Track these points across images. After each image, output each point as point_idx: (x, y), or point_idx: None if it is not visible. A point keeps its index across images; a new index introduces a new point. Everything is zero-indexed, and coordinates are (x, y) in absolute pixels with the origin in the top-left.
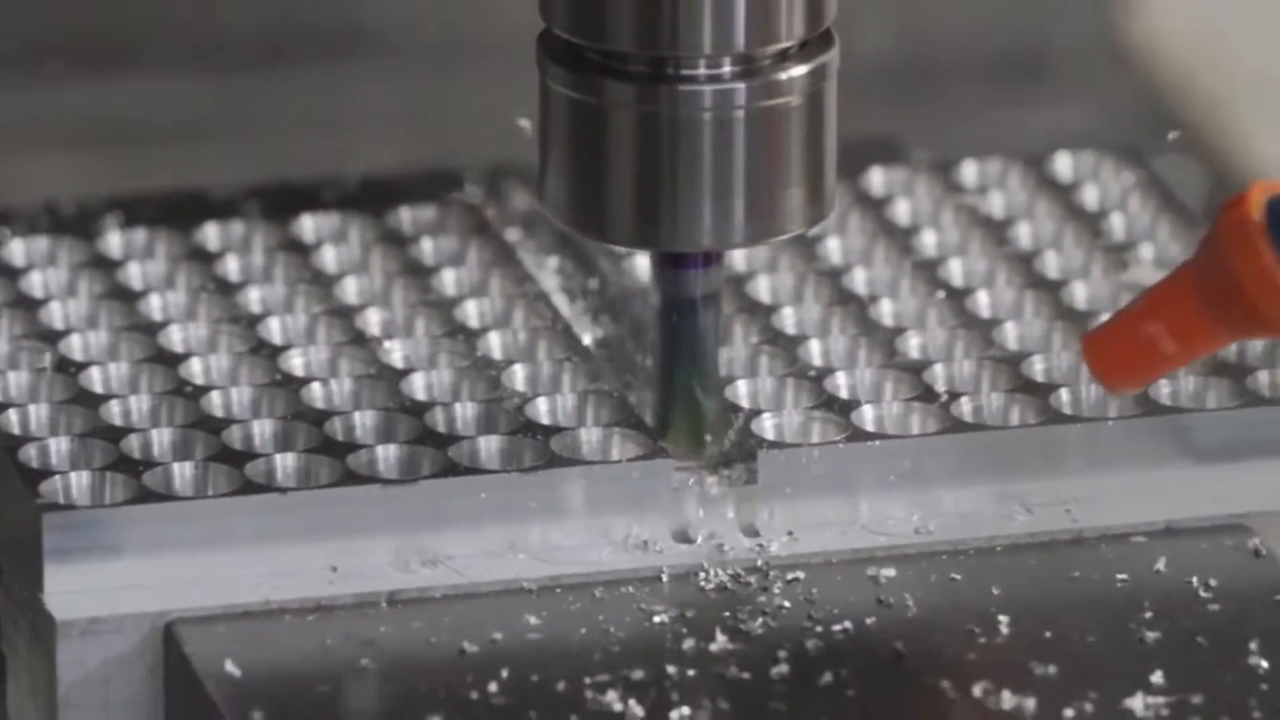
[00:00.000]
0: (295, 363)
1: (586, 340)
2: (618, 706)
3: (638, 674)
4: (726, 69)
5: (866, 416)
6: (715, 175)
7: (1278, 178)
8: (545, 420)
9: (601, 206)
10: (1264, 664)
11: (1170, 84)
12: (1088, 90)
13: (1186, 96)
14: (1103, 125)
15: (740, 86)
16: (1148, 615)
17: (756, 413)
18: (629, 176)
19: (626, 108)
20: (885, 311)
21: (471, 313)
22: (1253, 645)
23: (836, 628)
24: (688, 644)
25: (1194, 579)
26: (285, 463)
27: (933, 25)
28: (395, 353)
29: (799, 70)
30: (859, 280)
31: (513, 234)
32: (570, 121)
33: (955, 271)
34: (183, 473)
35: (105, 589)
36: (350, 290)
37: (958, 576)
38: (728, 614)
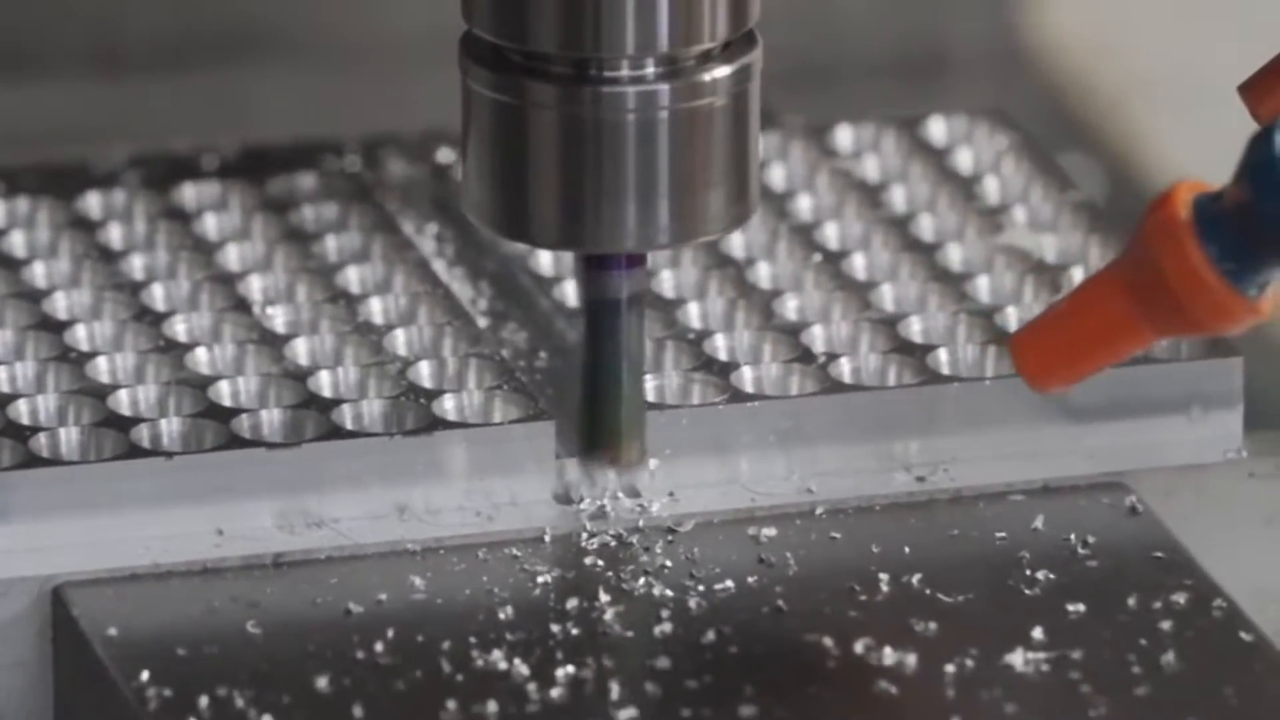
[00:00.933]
0: (178, 329)
1: (466, 304)
2: (503, 666)
3: (522, 634)
4: (650, 70)
5: (746, 378)
6: (639, 177)
7: (1177, 176)
8: (427, 384)
9: (525, 209)
10: (1142, 620)
11: (1069, 84)
12: (986, 90)
13: (1086, 96)
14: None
15: (664, 88)
16: (1027, 572)
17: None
18: (552, 179)
19: (549, 109)
20: (762, 274)
21: (353, 279)
22: (1130, 601)
23: (718, 586)
24: (571, 603)
25: (1072, 536)
26: (170, 427)
27: (831, 24)
28: (277, 318)
29: (723, 71)
30: (735, 244)
31: (393, 203)
32: (493, 123)
33: (831, 235)
34: (68, 437)
35: None
36: (232, 257)
37: (838, 535)
38: (610, 574)
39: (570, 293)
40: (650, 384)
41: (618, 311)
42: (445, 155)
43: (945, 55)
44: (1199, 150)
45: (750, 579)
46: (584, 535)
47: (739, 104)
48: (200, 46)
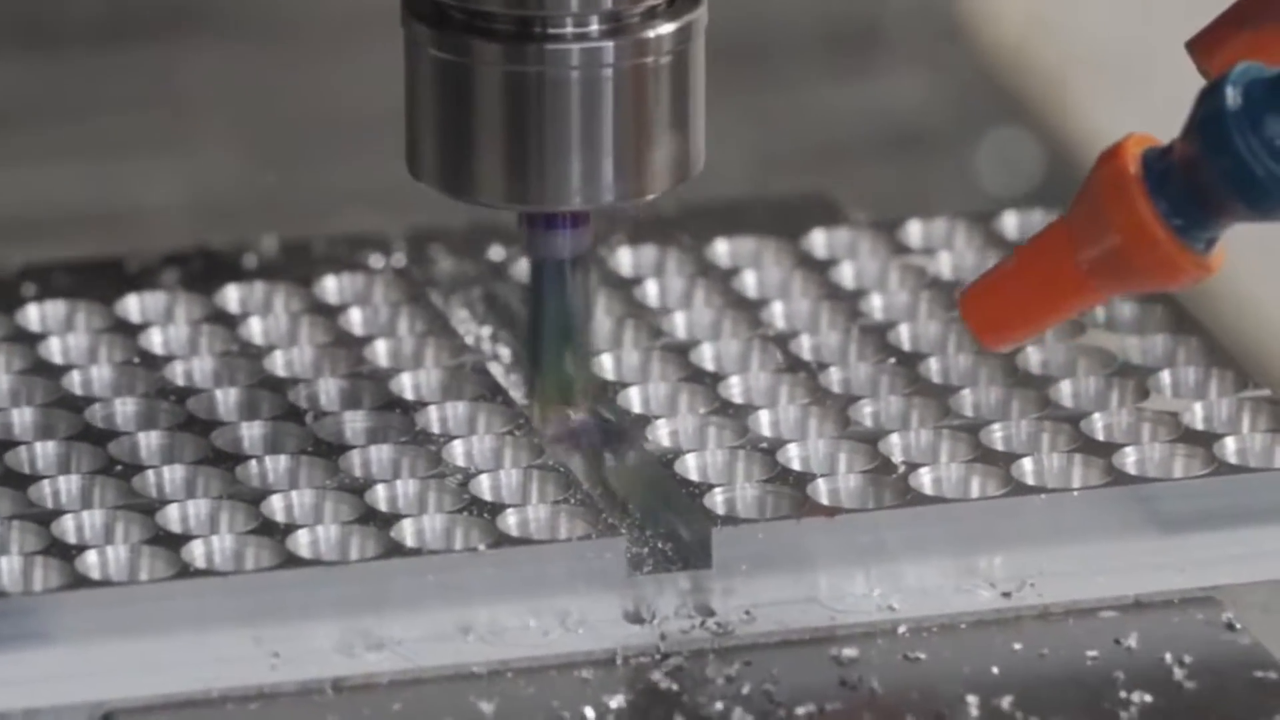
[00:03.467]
0: (228, 439)
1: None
2: None
3: None
4: (594, 27)
5: (822, 490)
6: (583, 134)
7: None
8: (489, 497)
9: (471, 168)
10: None
11: (1004, 59)
12: (920, 65)
13: (1021, 71)
14: (937, 100)
15: (608, 45)
16: (1121, 694)
17: (708, 487)
18: (498, 137)
19: (494, 67)
20: (835, 379)
21: (408, 385)
22: None
23: (799, 710)
24: None
25: (1167, 655)
26: (222, 544)
27: (767, 4)
28: (331, 427)
29: (667, 28)
30: (805, 346)
31: (443, 301)
32: (438, 83)
33: (905, 336)
34: (116, 556)
35: (40, 678)
36: (279, 363)
37: (922, 655)
38: (686, 698)
39: (634, 398)
40: (721, 496)
41: (563, 270)
42: (497, 252)
43: (878, 29)
44: (1137, 122)
45: (832, 703)
46: (657, 655)
47: (682, 61)
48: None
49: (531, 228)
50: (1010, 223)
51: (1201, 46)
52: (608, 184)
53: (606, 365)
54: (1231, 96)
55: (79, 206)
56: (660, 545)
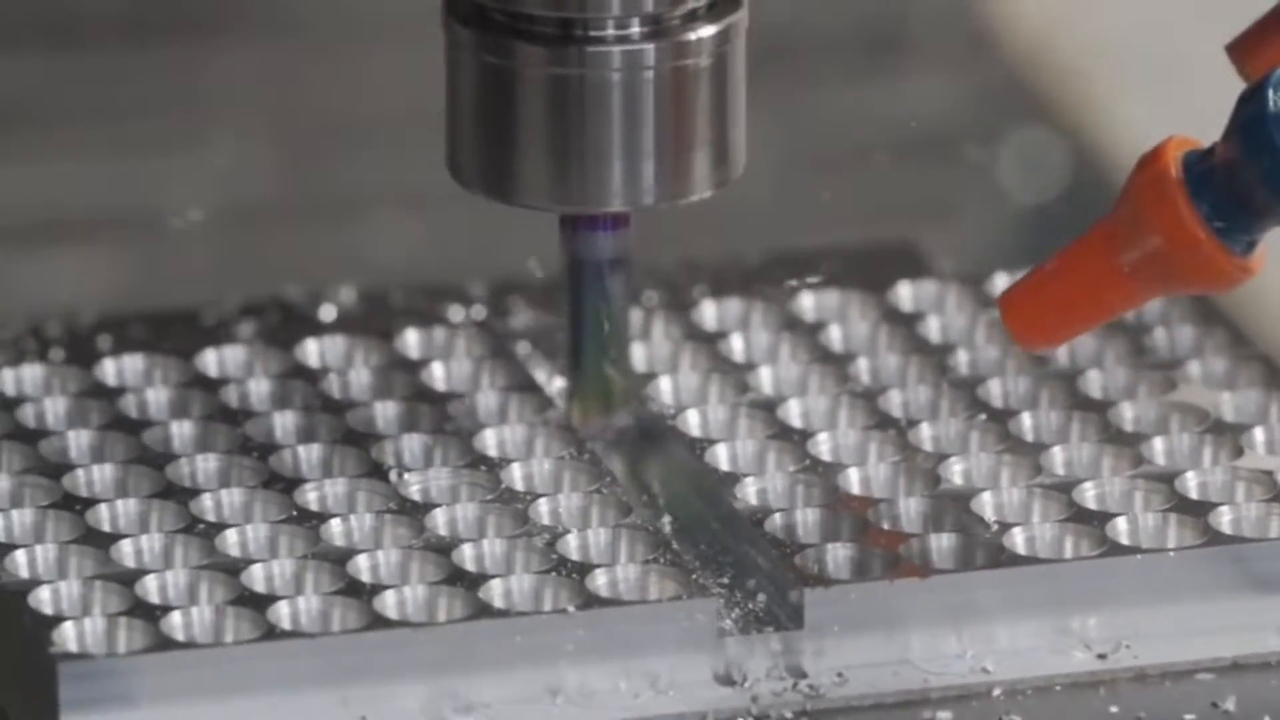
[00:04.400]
0: (310, 497)
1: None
2: None
3: None
4: (635, 30)
5: (914, 549)
6: (624, 136)
7: (1138, 146)
8: (577, 557)
9: (511, 170)
10: None
11: (1028, 59)
12: (945, 65)
13: (1044, 70)
14: (963, 103)
15: (649, 47)
16: None
17: (800, 547)
18: (539, 139)
19: (536, 69)
20: (925, 436)
21: (492, 442)
22: None
23: None
24: None
25: (1266, 718)
26: (308, 605)
27: (792, 8)
28: (415, 485)
29: (707, 31)
30: (895, 403)
31: (526, 355)
32: (479, 85)
33: (995, 392)
34: (200, 617)
35: None
36: (362, 419)
37: (1017, 718)
38: None
39: (722, 454)
40: (814, 556)
41: (602, 272)
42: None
43: (904, 30)
44: (1160, 121)
45: None
46: (749, 718)
47: (723, 64)
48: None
49: (572, 229)
50: None
51: (1241, 50)
52: (648, 186)
53: (693, 421)
54: (1273, 100)
55: (101, 206)
56: (751, 605)
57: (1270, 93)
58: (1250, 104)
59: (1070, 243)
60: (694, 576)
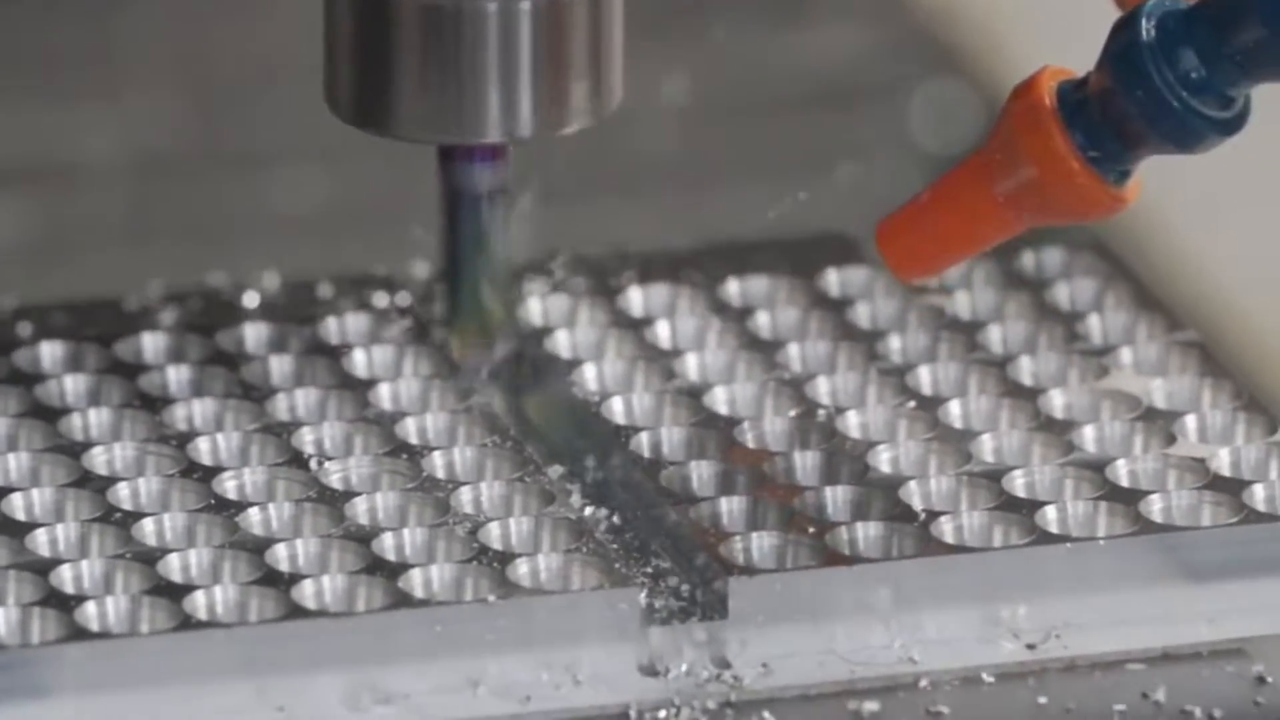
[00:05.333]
0: (229, 486)
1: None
2: None
3: None
4: None
5: (842, 539)
6: (501, 67)
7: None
8: (499, 546)
9: (388, 102)
10: None
11: (937, 10)
12: (853, 19)
13: (954, 20)
14: (871, 56)
15: None
16: None
17: (725, 536)
18: (415, 70)
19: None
20: (853, 424)
21: (413, 430)
22: None
23: None
24: None
25: (1196, 709)
26: (225, 595)
27: None
28: (335, 474)
29: None
30: (823, 390)
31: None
32: (355, 16)
33: (924, 380)
34: (116, 607)
35: None
36: (283, 407)
37: (945, 709)
38: None
39: (645, 442)
40: (738, 545)
41: (479, 204)
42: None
43: None
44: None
45: None
46: (672, 710)
47: None
48: None
49: (449, 161)
50: (1030, 261)
51: None
52: (525, 117)
53: (617, 409)
54: (1145, 29)
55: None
56: (676, 596)
57: (1143, 22)
58: (1123, 33)
59: (945, 173)
60: (617, 566)
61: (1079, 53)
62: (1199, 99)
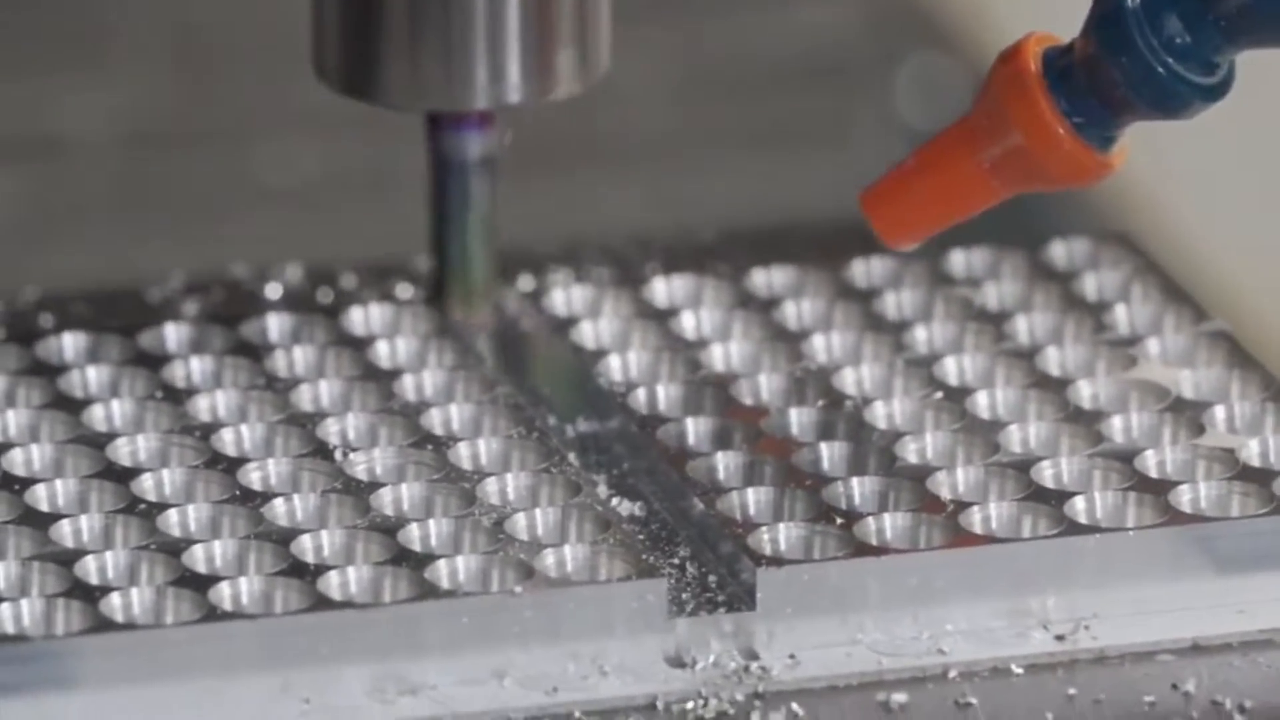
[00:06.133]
0: (253, 478)
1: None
2: None
3: None
4: None
5: (870, 529)
6: (489, 35)
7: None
8: (525, 537)
9: (375, 70)
10: None
11: None
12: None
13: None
14: (857, 29)
15: None
16: None
17: (752, 527)
18: (401, 37)
19: None
20: (880, 414)
21: (438, 421)
22: None
23: None
24: None
25: (1227, 700)
26: (250, 586)
27: None
28: (360, 465)
29: None
30: (849, 381)
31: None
32: None
33: (951, 370)
34: (141, 598)
35: None
36: (307, 398)
37: (974, 700)
38: None
39: (672, 432)
40: (765, 536)
41: (467, 172)
42: (526, 282)
43: None
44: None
45: None
46: (700, 701)
47: None
48: None
49: (438, 129)
50: (1059, 252)
51: None
52: (513, 83)
53: (640, 399)
54: None
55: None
56: (703, 587)
57: None
58: (1107, 1)
59: (932, 139)
60: (644, 557)
61: (1066, 21)
62: (1183, 65)
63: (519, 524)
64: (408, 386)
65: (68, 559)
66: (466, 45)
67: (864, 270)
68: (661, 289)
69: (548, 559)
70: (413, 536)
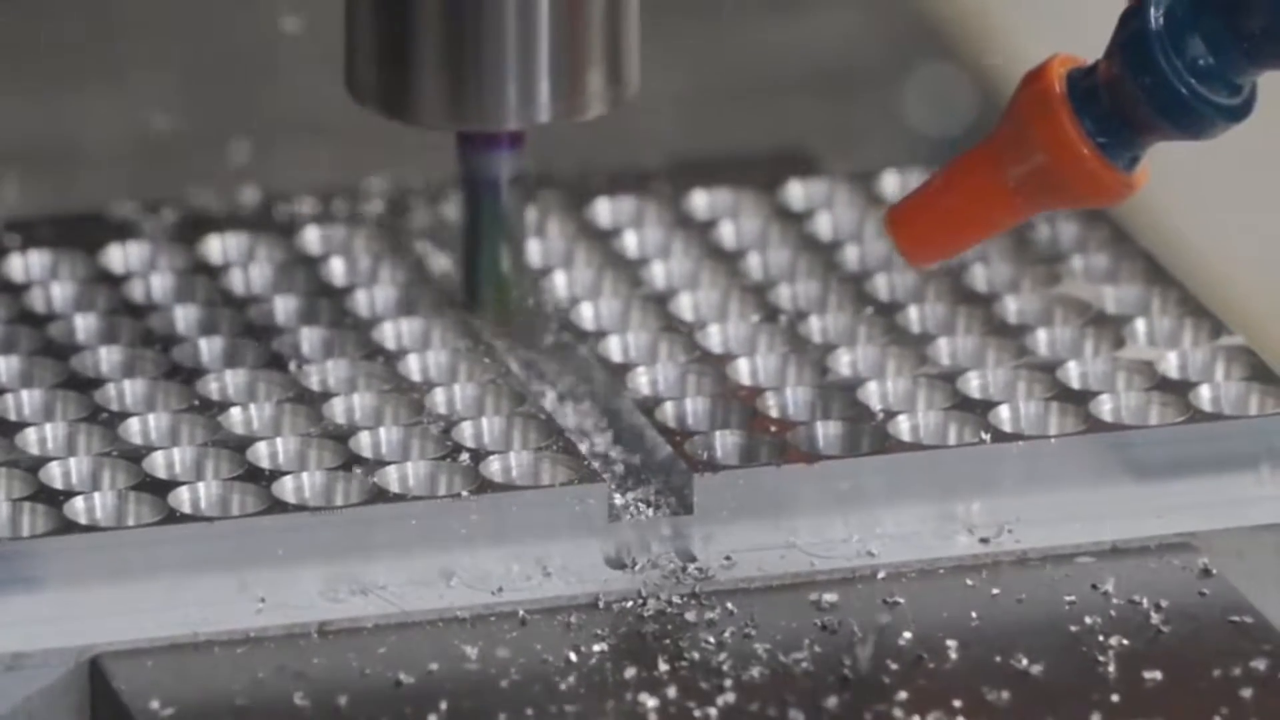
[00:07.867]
0: (212, 388)
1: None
2: None
3: (580, 706)
4: None
5: (801, 436)
6: (520, 53)
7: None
8: (472, 444)
9: (409, 89)
10: (1222, 688)
11: None
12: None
13: (947, 5)
14: (866, 32)
15: None
16: (1099, 638)
17: (690, 434)
18: (434, 56)
19: None
20: (814, 329)
21: (390, 334)
22: (1208, 669)
23: (781, 656)
24: (629, 673)
25: (1144, 600)
26: (208, 491)
27: None
28: (314, 376)
29: None
30: (784, 296)
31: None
32: (375, 3)
33: (882, 287)
34: (103, 501)
35: (27, 623)
36: (263, 312)
37: (901, 600)
38: (668, 642)
39: (614, 346)
40: (701, 443)
41: (499, 191)
42: None
43: None
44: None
45: (813, 647)
46: (639, 600)
47: None
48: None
49: (468, 148)
50: None
51: None
52: (544, 103)
53: (586, 314)
54: (1154, 17)
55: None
56: (643, 493)
57: (1152, 10)
58: (1133, 21)
59: (956, 159)
60: (586, 463)
61: (1069, 28)
62: (1207, 86)
63: (465, 432)
64: (360, 302)
65: (33, 465)
66: (498, 65)
67: (800, 193)
68: (605, 209)
69: (493, 465)
70: (363, 444)
